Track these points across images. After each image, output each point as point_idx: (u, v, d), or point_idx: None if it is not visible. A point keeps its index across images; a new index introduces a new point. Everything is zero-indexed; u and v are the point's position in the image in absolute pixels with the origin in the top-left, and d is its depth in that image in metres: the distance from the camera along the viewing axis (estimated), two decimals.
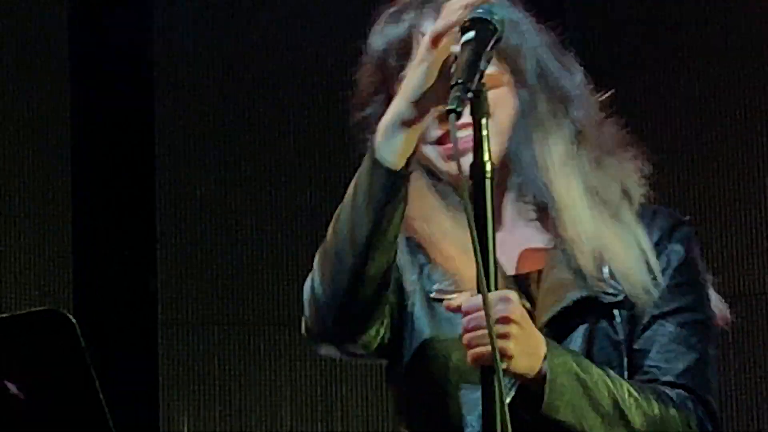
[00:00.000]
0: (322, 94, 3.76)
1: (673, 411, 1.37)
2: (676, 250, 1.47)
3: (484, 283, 1.10)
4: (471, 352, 1.20)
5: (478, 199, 1.15)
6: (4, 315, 1.44)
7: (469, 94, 1.15)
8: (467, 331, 1.21)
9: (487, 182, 1.16)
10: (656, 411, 1.37)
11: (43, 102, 4.00)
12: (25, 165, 3.96)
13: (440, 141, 1.37)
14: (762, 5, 3.93)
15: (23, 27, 3.96)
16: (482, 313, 1.13)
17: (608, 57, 4.02)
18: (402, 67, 1.42)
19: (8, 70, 3.93)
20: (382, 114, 1.34)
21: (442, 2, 1.35)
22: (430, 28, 1.33)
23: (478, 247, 1.08)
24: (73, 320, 1.30)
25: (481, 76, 1.19)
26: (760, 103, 3.95)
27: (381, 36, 1.48)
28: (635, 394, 1.34)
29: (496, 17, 1.26)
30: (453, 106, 1.11)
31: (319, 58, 3.94)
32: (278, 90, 3.88)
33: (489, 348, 1.12)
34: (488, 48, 1.23)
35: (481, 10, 1.27)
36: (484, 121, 1.20)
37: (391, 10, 1.48)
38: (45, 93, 4.00)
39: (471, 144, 1.18)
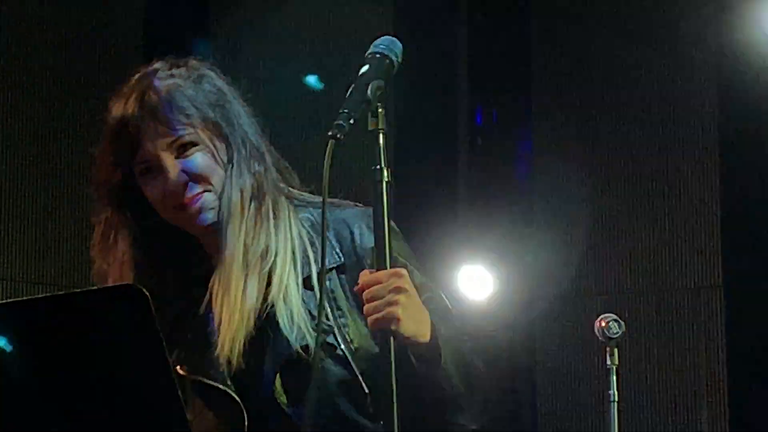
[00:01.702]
0: None
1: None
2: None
3: (387, 261, 1.42)
4: (370, 318, 1.42)
5: (377, 200, 1.42)
6: (80, 290, 1.55)
7: (351, 121, 1.38)
8: (367, 301, 1.43)
9: (385, 185, 1.43)
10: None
11: None
12: None
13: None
14: None
15: None
16: (378, 286, 1.41)
17: None
18: (134, 145, 1.63)
19: None
20: (119, 183, 1.62)
21: (162, 86, 1.65)
22: (151, 116, 1.62)
23: (384, 237, 1.40)
24: (147, 294, 1.37)
25: (369, 104, 1.41)
26: None
27: (116, 108, 1.63)
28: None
29: (393, 54, 1.48)
30: (331, 133, 1.34)
31: None
32: None
33: (383, 314, 1.39)
34: (378, 80, 1.44)
35: (382, 46, 1.48)
36: (381, 135, 1.45)
37: (131, 77, 1.66)
38: None
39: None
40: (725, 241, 4.60)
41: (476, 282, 4.54)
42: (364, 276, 1.53)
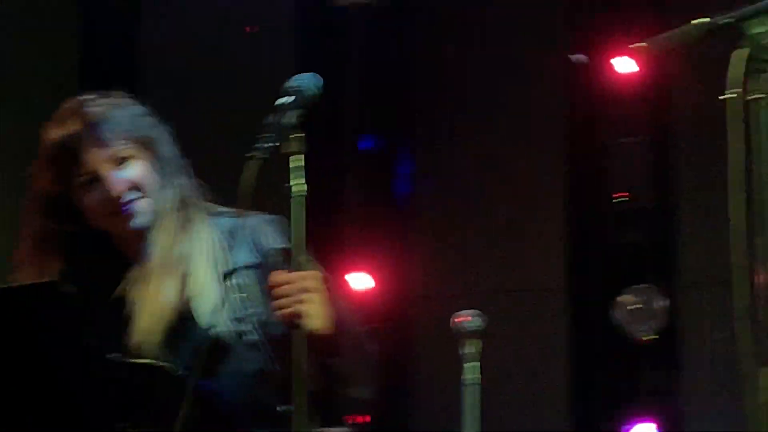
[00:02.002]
0: None
1: None
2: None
3: (303, 265, 1.56)
4: (278, 313, 1.58)
5: (297, 212, 1.57)
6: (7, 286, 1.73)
7: (274, 144, 1.55)
8: (276, 298, 1.58)
9: (302, 199, 1.57)
10: None
11: None
12: None
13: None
14: None
15: None
16: (288, 286, 1.56)
17: None
18: (75, 161, 1.79)
19: None
20: (56, 196, 1.78)
21: (97, 110, 1.80)
22: (90, 135, 1.77)
23: (301, 244, 1.54)
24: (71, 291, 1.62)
25: (288, 130, 1.58)
26: None
27: (57, 130, 1.81)
28: None
29: (315, 87, 1.65)
30: (256, 154, 1.54)
31: None
32: None
33: (291, 310, 1.55)
34: (300, 110, 1.60)
35: (305, 80, 1.65)
36: (294, 157, 1.59)
37: (67, 105, 1.83)
38: None
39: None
40: (567, 246, 4.80)
41: (361, 284, 4.75)
42: (275, 275, 1.66)
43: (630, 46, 1.82)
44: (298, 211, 1.60)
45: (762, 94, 1.38)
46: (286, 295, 1.62)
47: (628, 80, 4.70)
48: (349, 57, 5.18)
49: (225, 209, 1.95)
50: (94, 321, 1.89)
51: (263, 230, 1.92)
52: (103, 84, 2.03)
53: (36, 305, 1.80)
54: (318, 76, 1.74)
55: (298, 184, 1.61)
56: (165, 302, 1.87)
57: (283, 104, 1.63)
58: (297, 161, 1.62)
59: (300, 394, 1.61)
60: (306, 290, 1.63)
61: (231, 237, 1.91)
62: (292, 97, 1.64)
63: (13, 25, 4.83)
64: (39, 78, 4.90)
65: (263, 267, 1.86)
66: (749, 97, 1.39)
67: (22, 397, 1.77)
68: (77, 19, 4.92)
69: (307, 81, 1.70)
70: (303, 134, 1.60)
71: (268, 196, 1.72)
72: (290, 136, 1.60)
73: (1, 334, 1.76)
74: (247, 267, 1.90)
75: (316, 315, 1.66)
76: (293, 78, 1.70)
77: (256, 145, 1.59)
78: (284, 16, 5.08)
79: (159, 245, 1.89)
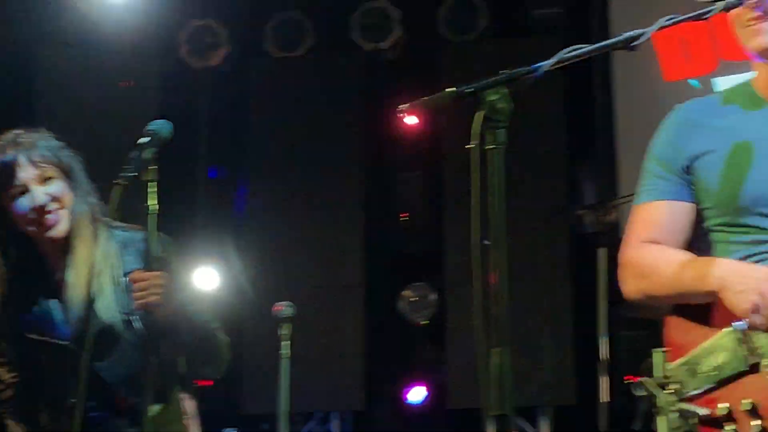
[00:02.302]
0: None
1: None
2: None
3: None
4: (136, 303, 1.84)
5: (151, 226, 1.83)
6: None
7: (130, 174, 1.79)
8: (135, 291, 1.84)
9: (155, 216, 1.83)
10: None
11: None
12: None
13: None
14: None
15: None
16: (144, 282, 1.80)
17: None
18: (8, 186, 1.92)
19: None
20: None
21: (29, 141, 1.95)
22: (24, 158, 1.91)
23: (154, 248, 1.82)
24: None
25: (146, 162, 1.81)
26: None
27: None
28: None
29: (166, 131, 1.88)
30: (120, 181, 1.75)
31: None
32: None
33: (143, 301, 1.81)
34: (154, 148, 1.83)
35: (159, 125, 1.89)
36: (150, 183, 1.82)
37: (5, 136, 1.97)
38: None
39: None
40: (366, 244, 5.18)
41: (207, 279, 5.13)
42: (133, 275, 1.90)
43: (400, 106, 1.99)
44: (153, 224, 1.86)
45: (494, 145, 1.49)
46: (142, 290, 1.89)
47: (410, 129, 5.29)
48: (199, 107, 5.71)
49: (119, 224, 2.11)
50: (22, 311, 2.06)
51: (145, 241, 2.03)
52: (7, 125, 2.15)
53: None
54: (169, 122, 1.97)
55: (152, 204, 1.85)
56: (79, 297, 2.04)
57: (141, 143, 1.86)
58: (152, 187, 1.84)
59: (150, 367, 1.90)
60: (159, 286, 1.88)
61: (123, 247, 2.07)
62: (149, 138, 1.88)
63: None
64: None
65: (145, 270, 1.99)
66: (487, 147, 1.50)
67: None
68: None
69: (161, 126, 1.92)
70: (156, 166, 1.84)
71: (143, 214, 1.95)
72: (148, 168, 1.84)
73: None
74: (135, 270, 2.02)
75: (166, 303, 1.92)
76: (151, 123, 1.93)
77: (121, 174, 1.82)
78: (151, 74, 5.43)
79: (79, 253, 2.04)
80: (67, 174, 2.02)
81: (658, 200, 1.98)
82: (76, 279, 2.02)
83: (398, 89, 5.17)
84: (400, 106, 1.67)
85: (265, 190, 5.51)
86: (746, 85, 1.98)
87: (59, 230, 2.00)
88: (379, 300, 5.39)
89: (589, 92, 5.30)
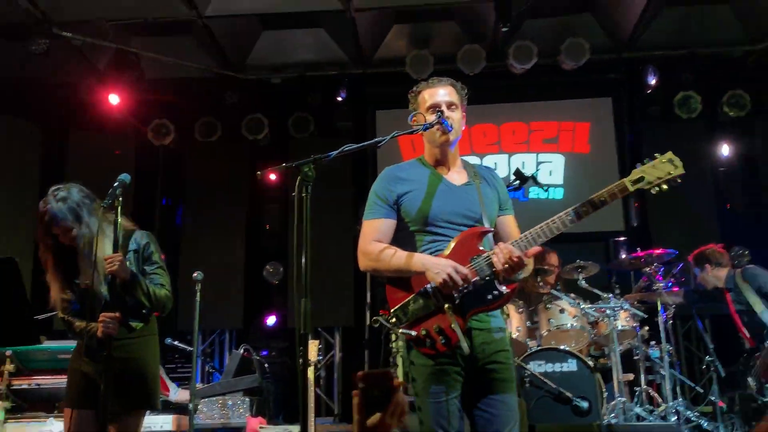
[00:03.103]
0: None
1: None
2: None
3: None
4: (105, 271, 2.46)
5: (118, 229, 2.50)
6: None
7: (109, 201, 2.46)
8: (107, 265, 2.43)
9: (120, 224, 2.50)
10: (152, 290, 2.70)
11: None
12: None
13: None
14: None
15: None
16: (109, 258, 2.48)
17: None
18: (50, 227, 2.42)
19: None
20: (51, 239, 2.42)
21: (62, 195, 2.56)
22: (54, 213, 2.52)
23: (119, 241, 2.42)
24: (15, 260, 2.20)
25: (115, 195, 2.46)
26: None
27: (43, 204, 2.40)
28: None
29: (125, 180, 2.48)
30: (102, 204, 2.41)
31: None
32: None
33: (108, 270, 2.47)
34: (120, 188, 2.49)
35: (121, 177, 2.47)
36: (119, 208, 2.45)
37: (42, 202, 2.45)
38: None
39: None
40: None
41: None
42: (107, 256, 2.47)
43: (265, 170, 2.94)
44: (119, 228, 2.53)
45: (305, 193, 1.91)
46: (108, 264, 2.54)
47: (271, 182, 6.93)
48: (158, 165, 7.34)
49: (128, 226, 2.77)
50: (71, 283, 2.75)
51: (139, 236, 2.85)
52: None
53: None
54: (129, 175, 2.58)
55: (119, 218, 2.50)
56: (97, 281, 2.67)
57: (115, 184, 2.55)
58: (119, 207, 2.53)
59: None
60: (115, 262, 2.59)
61: (126, 239, 2.81)
62: (117, 182, 2.54)
63: None
64: None
65: (138, 253, 2.83)
66: (302, 194, 1.89)
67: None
68: None
69: (124, 177, 2.59)
70: (121, 198, 2.51)
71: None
72: (118, 198, 2.54)
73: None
74: (132, 252, 2.82)
75: (119, 271, 2.61)
76: (121, 175, 2.61)
77: (103, 202, 2.51)
78: (130, 148, 6.92)
79: (95, 253, 2.65)
80: (78, 217, 2.73)
81: (378, 218, 2.48)
82: (94, 270, 2.64)
83: (265, 162, 6.67)
84: (264, 170, 2.47)
85: (194, 214, 7.28)
86: (423, 158, 2.58)
87: (79, 242, 2.75)
88: (255, 271, 7.11)
89: (365, 165, 7.13)
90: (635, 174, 2.39)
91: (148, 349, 2.88)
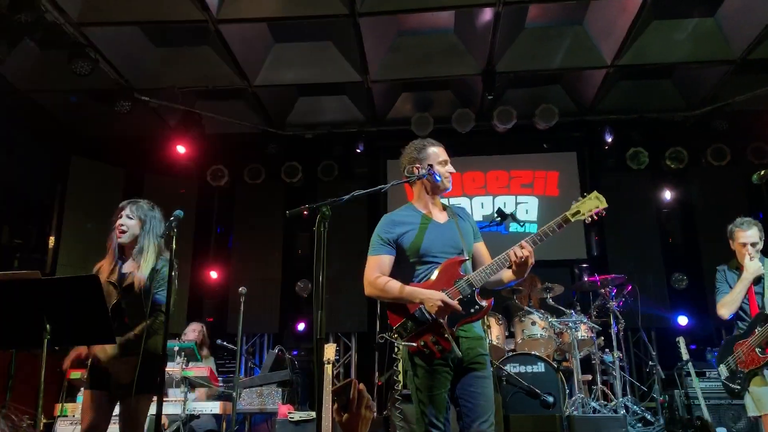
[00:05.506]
0: None
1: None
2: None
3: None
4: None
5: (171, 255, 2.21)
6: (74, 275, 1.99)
7: (166, 231, 2.19)
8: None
9: (173, 248, 2.15)
10: None
11: None
12: None
13: None
14: None
15: None
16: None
17: None
18: (116, 218, 2.37)
19: None
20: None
21: (136, 204, 2.43)
22: (126, 209, 2.42)
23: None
24: (98, 277, 2.11)
25: (171, 228, 2.15)
26: None
27: (118, 211, 2.31)
28: None
29: (179, 215, 2.19)
30: (166, 234, 2.19)
31: None
32: None
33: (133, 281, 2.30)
34: (176, 220, 2.21)
35: (176, 212, 2.21)
36: (174, 236, 2.15)
37: (124, 202, 2.37)
38: None
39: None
40: None
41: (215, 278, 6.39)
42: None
43: (288, 211, 2.33)
44: (171, 253, 2.32)
45: (323, 228, 1.81)
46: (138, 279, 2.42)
47: (303, 216, 6.66)
48: (214, 201, 7.10)
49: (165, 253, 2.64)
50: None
51: (161, 263, 2.66)
52: None
53: (83, 285, 2.25)
54: (182, 211, 2.40)
55: (173, 245, 2.30)
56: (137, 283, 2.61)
57: (171, 218, 2.40)
58: (174, 236, 2.31)
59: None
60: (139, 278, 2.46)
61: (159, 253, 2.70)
62: (173, 216, 2.38)
63: None
64: None
65: (156, 271, 2.66)
66: (321, 228, 1.80)
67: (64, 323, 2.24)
68: None
69: (179, 212, 2.40)
70: (176, 229, 2.32)
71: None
72: (173, 230, 2.34)
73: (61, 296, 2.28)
74: (153, 269, 2.67)
75: (138, 282, 2.43)
76: (176, 210, 2.41)
77: (166, 231, 2.38)
78: (193, 186, 6.71)
79: (142, 256, 2.64)
80: (141, 221, 2.64)
81: (380, 255, 2.43)
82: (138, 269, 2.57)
83: (299, 200, 5.94)
84: (291, 210, 2.01)
85: (241, 240, 7.19)
86: (412, 204, 2.53)
87: (123, 239, 2.62)
88: (289, 286, 6.98)
89: (377, 206, 6.93)
90: (573, 208, 2.42)
91: (153, 345, 2.77)
